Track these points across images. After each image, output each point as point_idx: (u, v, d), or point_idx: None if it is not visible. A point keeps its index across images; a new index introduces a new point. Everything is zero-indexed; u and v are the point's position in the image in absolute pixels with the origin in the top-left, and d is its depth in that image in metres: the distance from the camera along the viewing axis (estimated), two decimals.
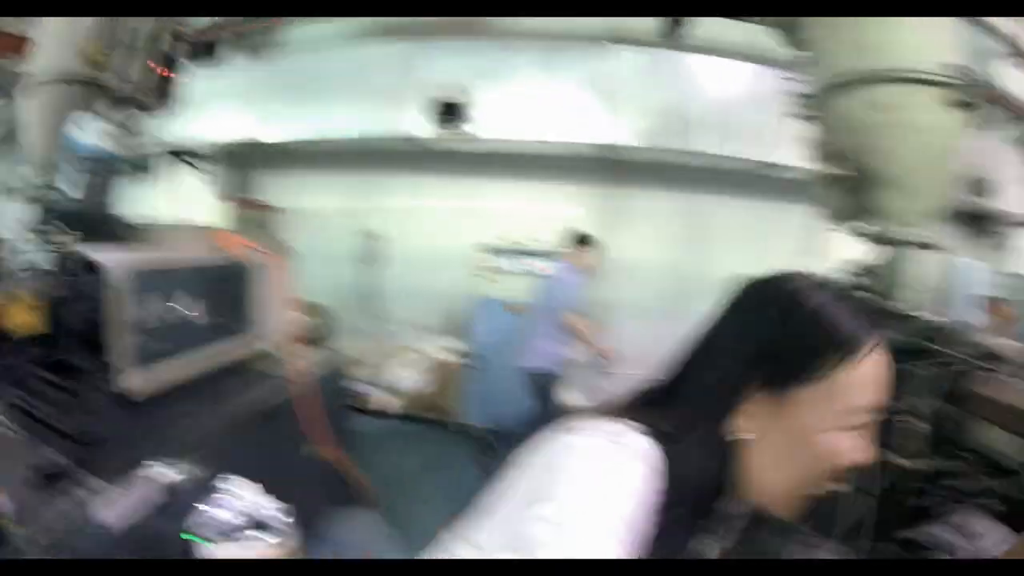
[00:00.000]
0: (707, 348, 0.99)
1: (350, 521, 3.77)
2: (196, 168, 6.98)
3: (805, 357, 0.89)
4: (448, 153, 6.16)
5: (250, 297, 2.96)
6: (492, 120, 5.60)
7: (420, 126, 5.73)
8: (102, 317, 2.14)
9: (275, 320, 3.16)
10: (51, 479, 1.99)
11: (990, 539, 1.45)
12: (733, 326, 0.99)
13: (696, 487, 0.89)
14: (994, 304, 4.19)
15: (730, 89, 5.67)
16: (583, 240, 4.80)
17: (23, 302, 2.01)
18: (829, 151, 2.41)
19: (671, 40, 4.79)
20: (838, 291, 0.99)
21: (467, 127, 5.56)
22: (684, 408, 0.94)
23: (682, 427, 0.90)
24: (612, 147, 5.58)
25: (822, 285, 0.98)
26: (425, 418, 5.88)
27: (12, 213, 2.73)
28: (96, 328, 2.16)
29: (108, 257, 2.17)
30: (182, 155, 6.75)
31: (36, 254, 2.45)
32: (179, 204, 7.13)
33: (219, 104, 6.44)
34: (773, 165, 5.35)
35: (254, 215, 6.53)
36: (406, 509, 4.06)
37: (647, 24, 4.84)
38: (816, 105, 2.51)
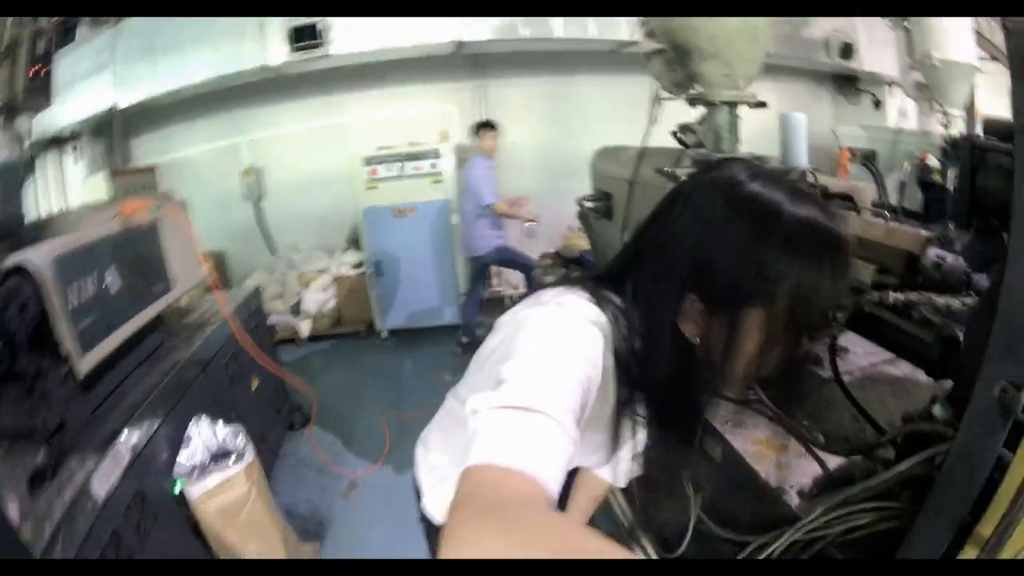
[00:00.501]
0: (651, 244, 0.99)
1: (301, 439, 4.08)
2: (71, 151, 6.65)
3: (755, 279, 0.87)
4: (309, 75, 6.02)
5: (162, 254, 3.03)
6: (347, 34, 5.46)
7: (275, 54, 5.56)
8: (38, 314, 2.19)
9: (185, 271, 3.27)
10: (39, 478, 2.09)
11: (856, 351, 1.70)
12: (678, 227, 0.95)
13: (646, 367, 0.96)
14: (845, 153, 4.71)
15: None
16: (483, 127, 5.16)
17: None
18: (651, 28, 2.67)
19: None
20: (792, 185, 0.92)
21: (322, 46, 5.46)
22: (635, 297, 0.98)
23: (634, 312, 0.97)
24: (458, 43, 5.59)
25: (775, 180, 0.92)
26: (342, 333, 6.10)
27: None
28: (36, 326, 2.19)
29: (27, 255, 2.22)
30: (56, 143, 6.42)
31: None
32: (64, 191, 6.86)
33: (81, 83, 6.05)
34: (621, 43, 5.61)
35: (134, 181, 6.31)
36: (345, 417, 4.39)
37: None
38: None
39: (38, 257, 2.19)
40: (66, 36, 2.82)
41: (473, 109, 6.30)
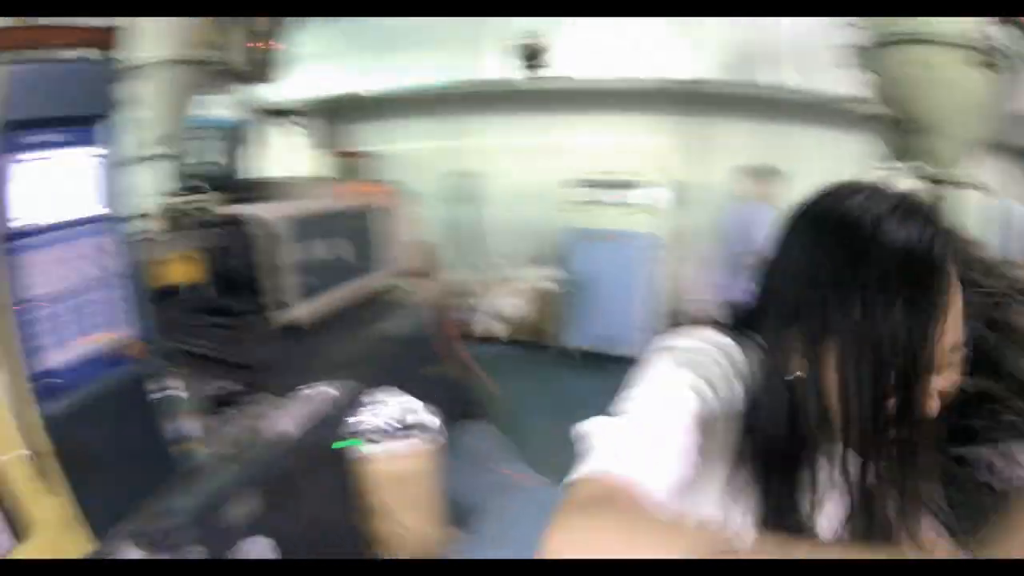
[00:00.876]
0: (768, 275, 0.92)
1: (472, 431, 4.22)
2: (295, 124, 7.50)
3: (830, 307, 0.78)
4: (534, 92, 6.23)
5: (380, 236, 3.33)
6: (574, 57, 5.64)
7: (505, 69, 5.86)
8: (257, 262, 2.53)
9: (401, 255, 3.57)
10: (226, 403, 2.41)
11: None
12: (784, 258, 0.88)
13: (768, 408, 0.87)
14: None
15: (803, 22, 5.18)
16: (762, 172, 4.95)
17: (184, 257, 2.35)
18: (880, 97, 2.62)
19: None
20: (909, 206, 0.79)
21: (550, 67, 5.65)
22: (761, 336, 0.90)
23: (763, 352, 0.88)
24: (691, 81, 5.50)
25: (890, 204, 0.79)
26: (528, 342, 6.25)
27: (149, 181, 3.13)
28: (253, 272, 2.56)
29: (263, 210, 2.56)
30: (282, 114, 7.27)
31: (186, 214, 2.86)
32: (283, 159, 7.70)
33: (311, 62, 6.73)
34: (843, 98, 5.28)
35: (352, 163, 6.98)
36: (518, 421, 4.50)
37: None
38: (869, 57, 2.69)
39: (270, 213, 2.54)
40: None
41: (687, 145, 6.21)
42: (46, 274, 1.41)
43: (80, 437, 1.45)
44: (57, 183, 1.45)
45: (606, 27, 5.55)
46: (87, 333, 1.50)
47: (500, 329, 6.25)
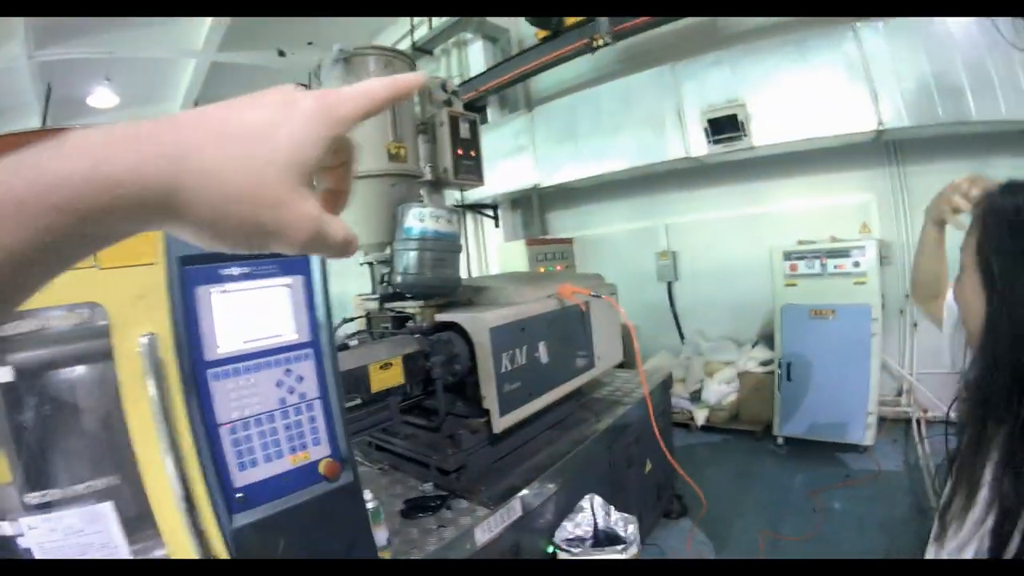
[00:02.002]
0: None
1: (671, 527, 4.06)
2: (489, 217, 7.87)
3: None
4: (728, 163, 6.03)
5: (586, 335, 3.32)
6: (761, 124, 5.35)
7: (693, 145, 5.72)
8: (463, 368, 2.59)
9: (608, 350, 3.54)
10: (420, 507, 2.44)
11: None
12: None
13: None
14: None
15: (995, 47, 4.42)
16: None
17: (390, 364, 2.38)
18: None
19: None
20: None
21: (739, 137, 5.41)
22: None
23: None
24: (884, 129, 4.92)
25: None
26: (733, 429, 5.88)
27: (355, 288, 3.30)
28: (460, 378, 2.62)
29: (470, 318, 2.63)
30: (474, 208, 7.68)
31: (387, 321, 2.96)
32: (480, 251, 8.02)
33: (502, 160, 7.14)
34: None
35: (551, 250, 7.20)
36: (722, 517, 4.21)
37: None
38: None
39: (479, 323, 2.59)
40: (477, 113, 3.28)
41: (891, 198, 5.62)
42: (242, 398, 1.52)
43: (259, 547, 1.52)
44: (260, 312, 1.57)
45: (789, 92, 5.23)
46: (282, 454, 1.59)
47: (706, 416, 5.94)
